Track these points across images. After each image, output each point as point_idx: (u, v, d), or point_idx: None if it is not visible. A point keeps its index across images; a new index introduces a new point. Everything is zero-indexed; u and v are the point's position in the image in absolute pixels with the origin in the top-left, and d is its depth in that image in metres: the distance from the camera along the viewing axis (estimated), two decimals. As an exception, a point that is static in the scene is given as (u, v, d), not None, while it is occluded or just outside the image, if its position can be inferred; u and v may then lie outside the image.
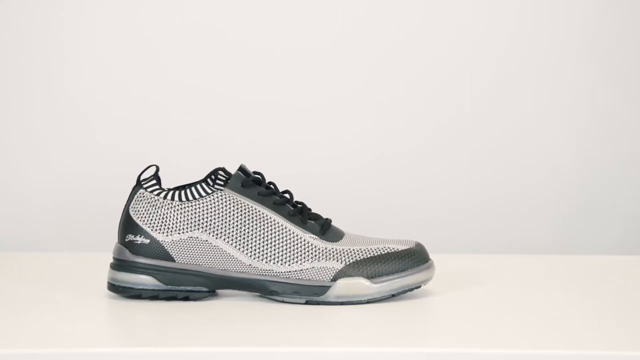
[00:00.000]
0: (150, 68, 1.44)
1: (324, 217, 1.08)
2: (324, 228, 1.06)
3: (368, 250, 1.05)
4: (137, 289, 1.04)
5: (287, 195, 1.07)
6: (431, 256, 1.08)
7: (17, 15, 1.42)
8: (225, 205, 1.04)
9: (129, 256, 1.05)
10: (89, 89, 1.44)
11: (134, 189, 1.06)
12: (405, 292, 1.05)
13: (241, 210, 1.04)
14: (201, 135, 1.44)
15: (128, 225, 1.05)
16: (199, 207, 1.04)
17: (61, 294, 1.08)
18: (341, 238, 1.06)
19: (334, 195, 1.45)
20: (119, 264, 1.05)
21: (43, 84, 1.44)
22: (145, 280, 1.04)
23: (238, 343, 0.90)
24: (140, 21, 1.44)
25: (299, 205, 1.07)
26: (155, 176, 1.07)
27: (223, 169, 1.07)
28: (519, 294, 1.11)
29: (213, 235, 1.04)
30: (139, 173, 1.08)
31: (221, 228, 1.04)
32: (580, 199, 1.47)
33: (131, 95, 1.44)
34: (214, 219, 1.04)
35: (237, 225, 1.04)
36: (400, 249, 1.05)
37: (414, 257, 1.05)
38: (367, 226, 1.40)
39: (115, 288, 1.05)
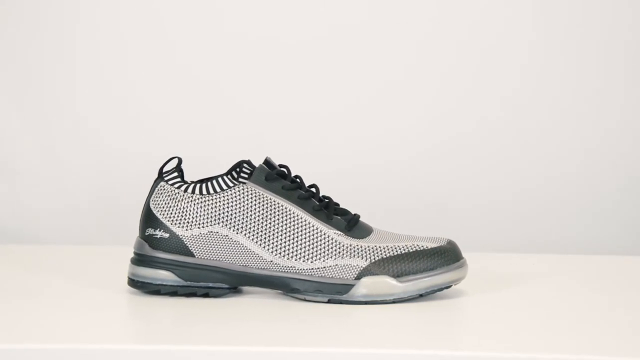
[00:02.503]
0: (171, 67, 1.43)
1: (353, 212, 1.04)
2: (350, 224, 1.01)
3: (395, 248, 1.00)
4: (156, 285, 1.01)
5: (313, 190, 1.03)
6: (465, 255, 1.04)
7: (29, 23, 1.43)
8: (247, 199, 1.00)
9: (148, 250, 1.02)
10: (118, 96, 1.44)
11: (155, 181, 1.03)
12: (434, 292, 1.00)
13: (264, 205, 1.00)
14: (231, 132, 1.42)
15: (148, 218, 1.02)
16: (220, 201, 1.00)
17: (83, 288, 1.06)
18: (369, 235, 1.02)
19: (368, 190, 1.41)
20: (138, 259, 1.03)
21: (60, 92, 1.45)
22: (164, 276, 1.01)
23: (257, 342, 0.87)
24: (160, 24, 1.43)
25: (325, 200, 1.03)
26: (178, 168, 1.04)
27: (248, 162, 1.04)
28: (555, 296, 1.06)
29: (234, 230, 1.00)
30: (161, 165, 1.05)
31: (242, 223, 1.00)
32: (619, 197, 1.42)
33: (158, 95, 1.44)
34: (235, 213, 1.00)
35: (259, 220, 1.00)
36: (429, 247, 1.01)
37: (445, 256, 1.01)
38: (404, 223, 1.36)
39: (134, 283, 1.02)
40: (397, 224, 1.32)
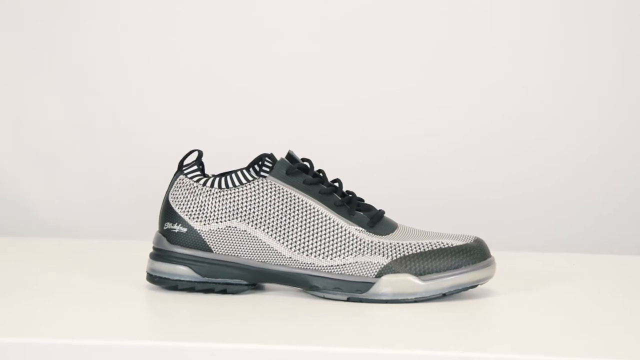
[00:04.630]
0: (205, 67, 1.43)
1: (378, 208, 1.01)
2: (373, 220, 0.98)
3: (418, 245, 0.97)
4: (174, 280, 0.99)
5: (335, 185, 1.00)
6: (494, 253, 1.00)
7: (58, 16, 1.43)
8: (267, 194, 0.98)
9: (166, 245, 1.00)
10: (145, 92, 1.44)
11: (174, 174, 1.01)
12: (458, 291, 0.97)
13: (283, 200, 0.98)
14: (266, 128, 1.42)
15: (167, 212, 1.00)
16: (238, 195, 0.98)
17: (103, 283, 1.05)
18: (392, 231, 0.98)
19: (398, 184, 1.39)
20: (157, 254, 1.01)
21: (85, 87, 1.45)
22: (181, 271, 0.99)
23: (274, 340, 0.84)
24: (187, 23, 1.43)
25: (348, 195, 1.00)
26: (198, 161, 1.01)
27: (270, 155, 1.01)
28: (585, 297, 1.02)
29: (252, 225, 0.98)
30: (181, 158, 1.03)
31: (261, 218, 0.97)
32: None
33: (193, 92, 1.44)
34: (254, 208, 0.97)
35: (278, 215, 0.97)
36: (455, 245, 0.97)
37: (471, 254, 0.97)
38: (437, 220, 1.33)
39: (153, 278, 1.01)
40: (429, 221, 1.29)
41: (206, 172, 1.03)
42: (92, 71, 1.44)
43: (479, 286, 0.98)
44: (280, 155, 1.02)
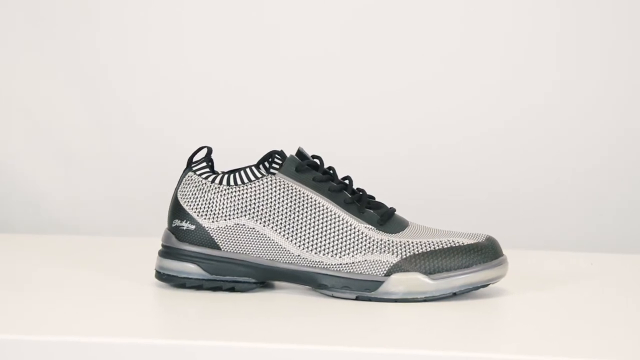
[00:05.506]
0: (222, 65, 1.43)
1: (390, 206, 1.00)
2: (383, 218, 0.97)
3: (428, 244, 0.96)
4: (181, 278, 0.98)
5: (345, 182, 0.99)
6: (506, 252, 0.99)
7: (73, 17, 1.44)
8: (275, 191, 0.97)
9: (174, 243, 0.99)
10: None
11: (184, 171, 1.01)
12: (469, 290, 0.96)
13: (292, 197, 0.97)
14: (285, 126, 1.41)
15: (176, 209, 1.00)
16: (247, 192, 0.97)
17: (112, 280, 1.04)
18: (403, 229, 0.97)
19: (416, 181, 1.38)
20: (165, 251, 1.00)
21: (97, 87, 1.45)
22: (189, 269, 0.98)
23: (281, 339, 0.83)
24: (199, 22, 1.43)
25: (358, 193, 0.99)
26: (207, 158, 1.01)
27: (280, 152, 1.00)
28: (600, 298, 1.01)
29: (260, 223, 0.97)
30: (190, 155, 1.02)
31: (269, 215, 0.96)
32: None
33: (212, 88, 1.44)
34: (262, 205, 0.97)
35: (286, 213, 0.96)
36: (466, 243, 0.96)
37: (482, 253, 0.96)
38: (454, 219, 1.32)
39: (161, 276, 1.00)
40: (442, 219, 1.28)
41: (215, 169, 1.03)
42: (105, 73, 1.44)
43: (490, 285, 0.97)
44: (290, 152, 1.01)
